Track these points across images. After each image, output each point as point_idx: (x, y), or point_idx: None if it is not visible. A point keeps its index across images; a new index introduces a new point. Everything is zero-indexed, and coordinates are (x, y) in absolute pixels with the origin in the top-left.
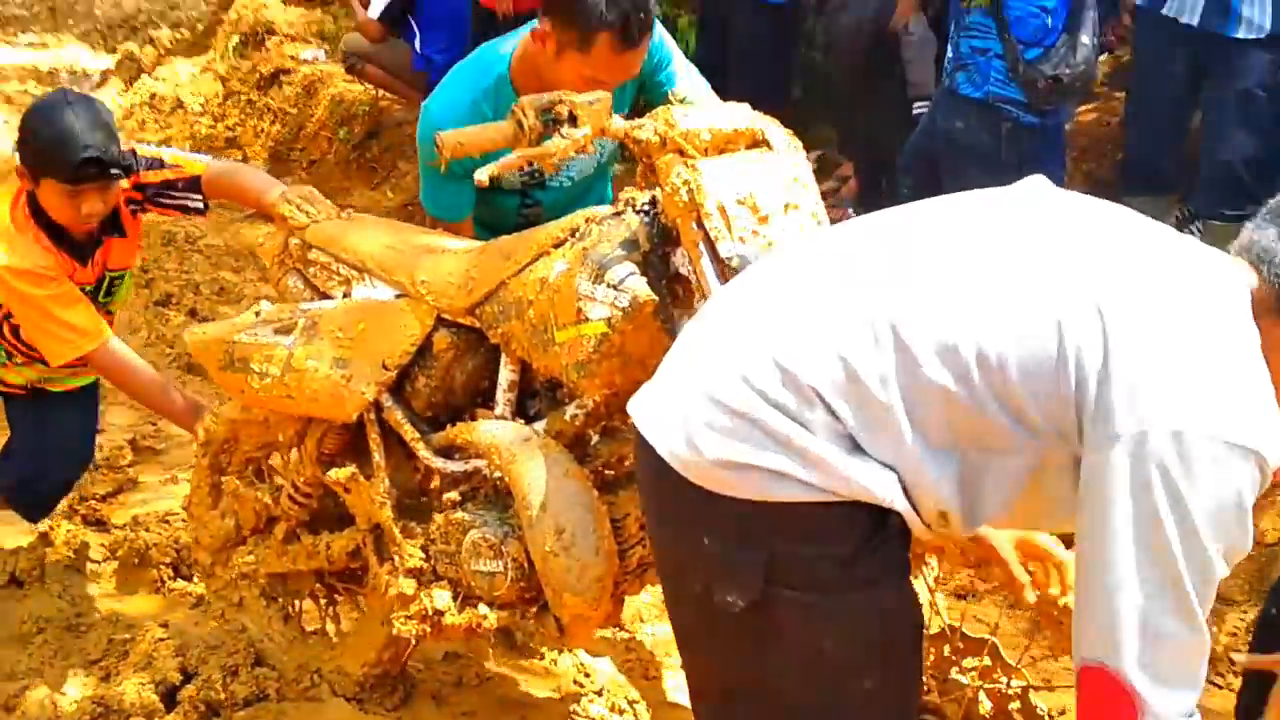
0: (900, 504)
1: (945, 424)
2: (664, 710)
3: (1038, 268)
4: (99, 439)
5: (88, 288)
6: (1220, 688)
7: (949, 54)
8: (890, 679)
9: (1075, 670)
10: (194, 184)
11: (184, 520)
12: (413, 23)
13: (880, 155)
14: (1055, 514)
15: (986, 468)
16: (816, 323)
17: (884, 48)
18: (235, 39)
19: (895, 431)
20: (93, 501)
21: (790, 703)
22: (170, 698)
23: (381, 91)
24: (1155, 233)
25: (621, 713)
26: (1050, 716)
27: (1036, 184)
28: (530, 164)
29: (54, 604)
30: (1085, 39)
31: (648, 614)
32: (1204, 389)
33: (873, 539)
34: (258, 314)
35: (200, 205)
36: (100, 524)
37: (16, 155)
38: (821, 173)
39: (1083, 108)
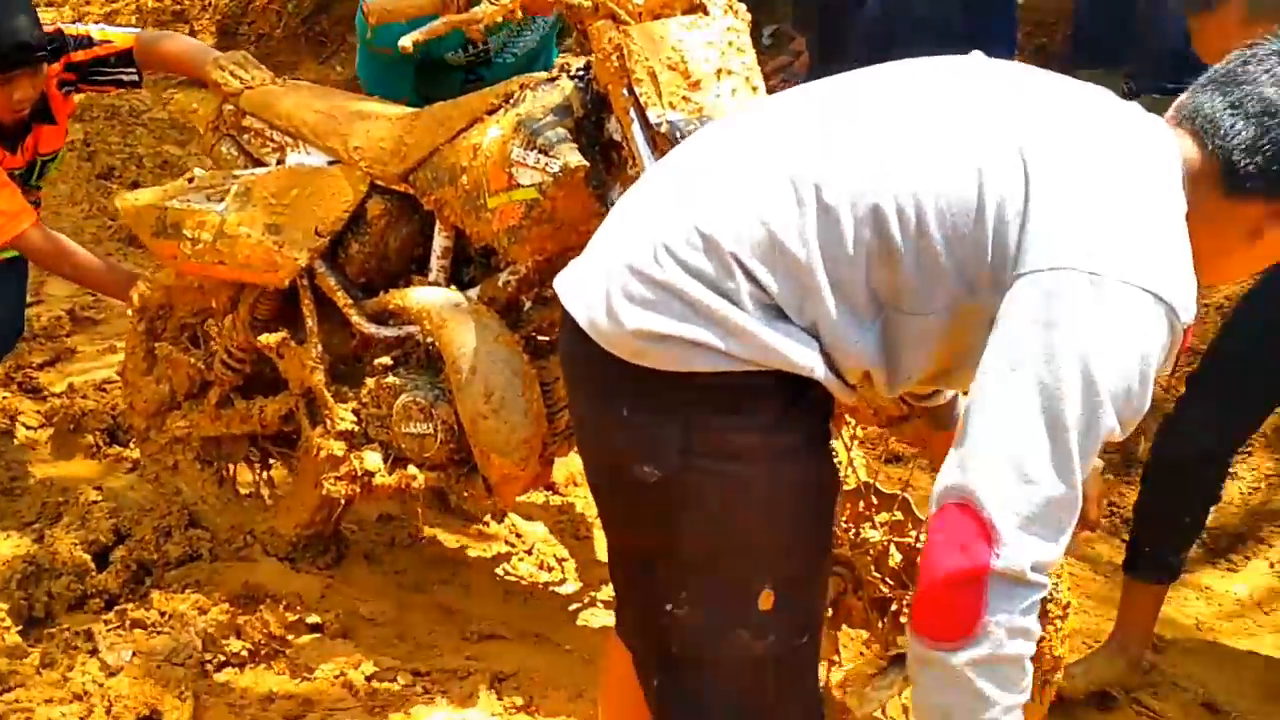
0: (820, 372)
1: (866, 285)
2: (593, 568)
3: (962, 121)
4: (38, 310)
5: (17, 172)
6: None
7: None
8: (802, 546)
9: (934, 498)
10: (125, 57)
11: (120, 388)
12: None
13: (834, 30)
14: (972, 370)
15: (906, 327)
16: (739, 188)
17: None
18: None
19: (818, 296)
20: (29, 369)
21: (704, 570)
22: (102, 557)
23: None
24: (1091, 94)
25: (550, 570)
26: None
27: (974, 57)
28: (469, 38)
29: None
30: None
31: (580, 478)
32: (1125, 237)
33: (792, 409)
34: (191, 180)
35: (135, 78)
36: (36, 392)
37: None
38: (776, 48)
39: None
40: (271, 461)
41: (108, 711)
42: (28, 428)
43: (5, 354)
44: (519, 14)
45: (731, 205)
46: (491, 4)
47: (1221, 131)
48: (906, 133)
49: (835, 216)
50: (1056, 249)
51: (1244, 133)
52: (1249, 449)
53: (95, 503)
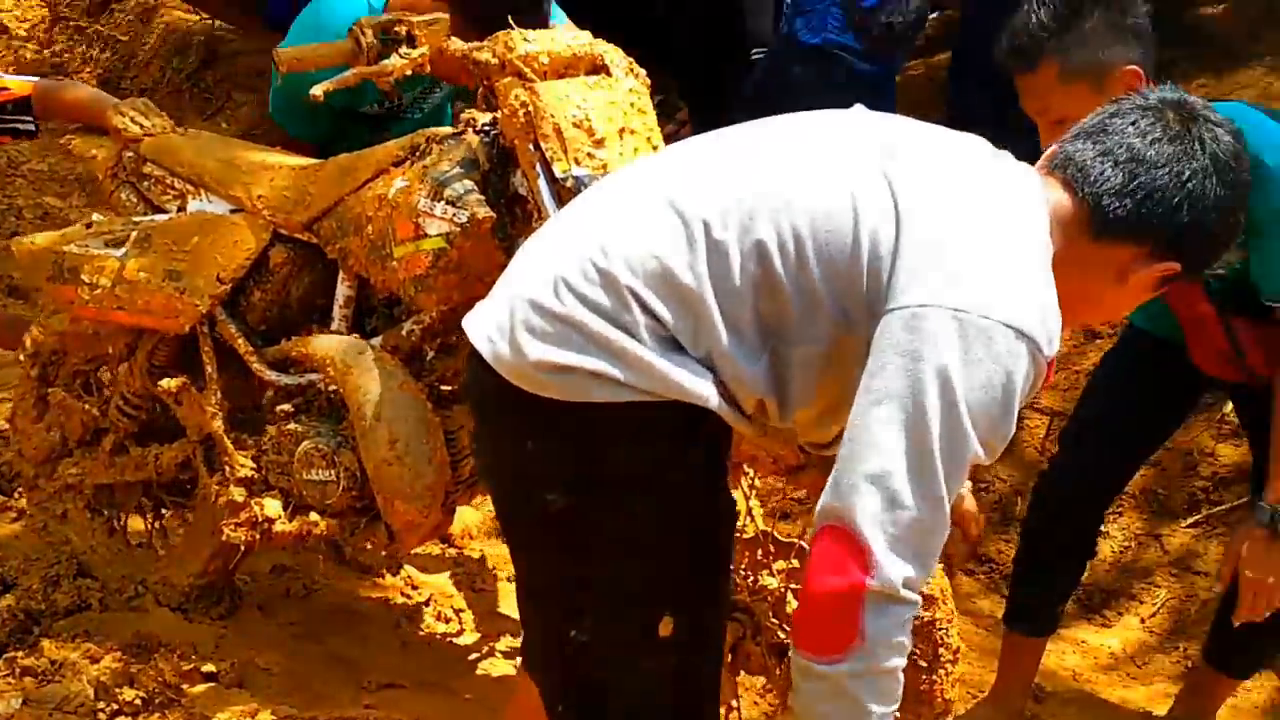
0: (714, 402)
1: (754, 319)
2: (491, 619)
3: (839, 160)
4: None
5: None
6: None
7: (788, 1)
8: (700, 573)
9: (815, 525)
10: (24, 105)
11: (4, 436)
12: None
13: (717, 100)
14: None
15: (790, 359)
16: (632, 225)
17: None
18: None
19: (710, 327)
20: None
21: (604, 596)
22: None
23: (218, 22)
24: (964, 141)
25: (448, 621)
26: None
27: (855, 109)
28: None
29: None
30: None
31: (477, 531)
32: (988, 275)
33: (689, 439)
34: (89, 225)
35: (31, 128)
36: None
37: None
38: (662, 116)
39: (912, 63)
40: (164, 511)
41: None
42: None
43: None
44: (427, 67)
45: (626, 241)
46: (401, 58)
47: (1091, 178)
48: (786, 171)
49: (724, 252)
50: (923, 286)
51: (1113, 179)
52: (1119, 509)
53: None
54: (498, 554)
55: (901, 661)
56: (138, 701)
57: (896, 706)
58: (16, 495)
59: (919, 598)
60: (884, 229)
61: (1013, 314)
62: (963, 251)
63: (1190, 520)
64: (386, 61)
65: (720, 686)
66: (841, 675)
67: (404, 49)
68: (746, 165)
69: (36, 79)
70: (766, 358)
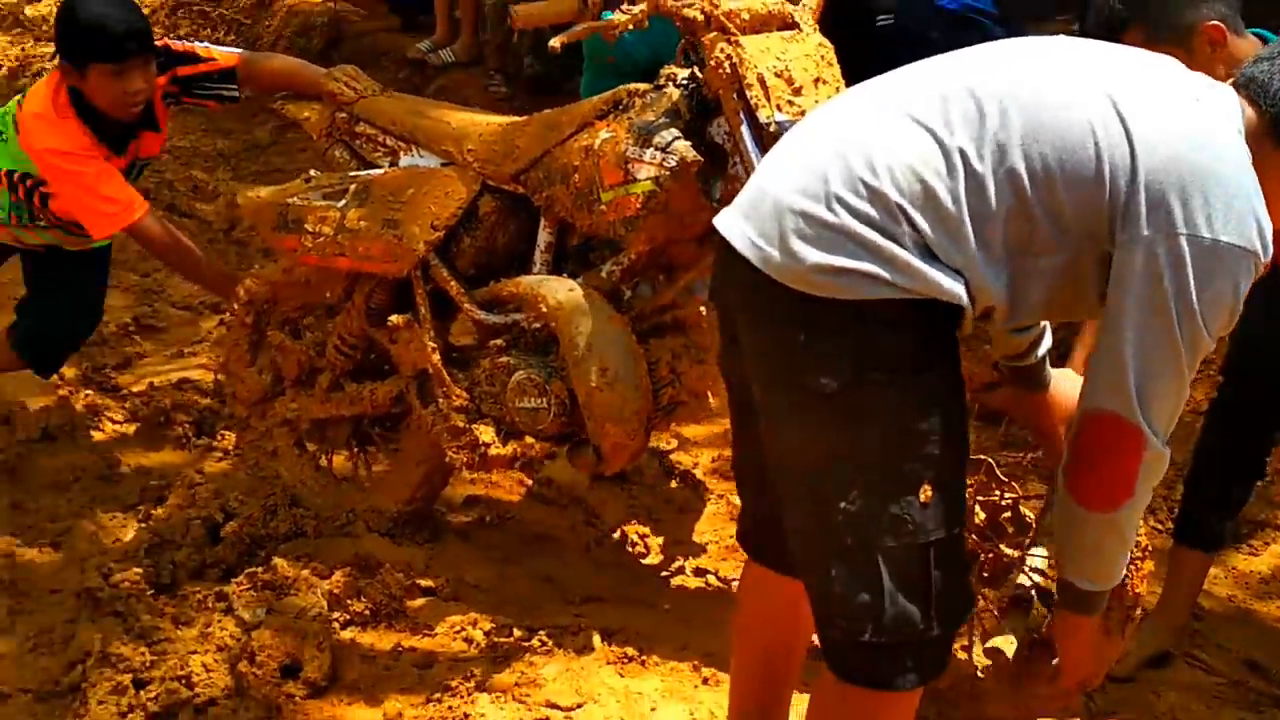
0: (965, 300)
1: (1004, 239)
2: (673, 545)
3: (1073, 91)
4: (103, 319)
5: (122, 172)
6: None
7: None
8: (953, 444)
9: (1078, 420)
10: (229, 75)
11: (198, 386)
12: None
13: (847, 66)
14: (1084, 305)
15: (1033, 270)
16: (896, 148)
17: None
18: None
19: (964, 244)
20: (107, 370)
21: (874, 468)
22: (214, 533)
23: (341, 3)
24: (1166, 65)
25: (633, 546)
26: (1034, 522)
27: (1061, 39)
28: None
29: (86, 457)
30: None
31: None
32: (1216, 199)
33: (939, 331)
34: (308, 180)
35: (235, 94)
36: (115, 390)
37: (58, 50)
38: None
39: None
40: (369, 448)
41: (251, 660)
42: (114, 422)
43: (86, 337)
44: (645, 23)
45: (893, 162)
46: (622, 13)
47: (1271, 92)
48: (1029, 102)
49: (981, 180)
50: (1161, 215)
51: None
52: None
53: (199, 484)
54: (669, 490)
55: (1150, 494)
56: (366, 612)
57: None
58: (220, 437)
59: (1169, 451)
60: (1121, 159)
61: (1238, 234)
62: (1191, 178)
63: None
64: (610, 15)
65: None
66: (1117, 518)
67: (625, 5)
68: (988, 95)
69: (240, 50)
70: (1009, 270)
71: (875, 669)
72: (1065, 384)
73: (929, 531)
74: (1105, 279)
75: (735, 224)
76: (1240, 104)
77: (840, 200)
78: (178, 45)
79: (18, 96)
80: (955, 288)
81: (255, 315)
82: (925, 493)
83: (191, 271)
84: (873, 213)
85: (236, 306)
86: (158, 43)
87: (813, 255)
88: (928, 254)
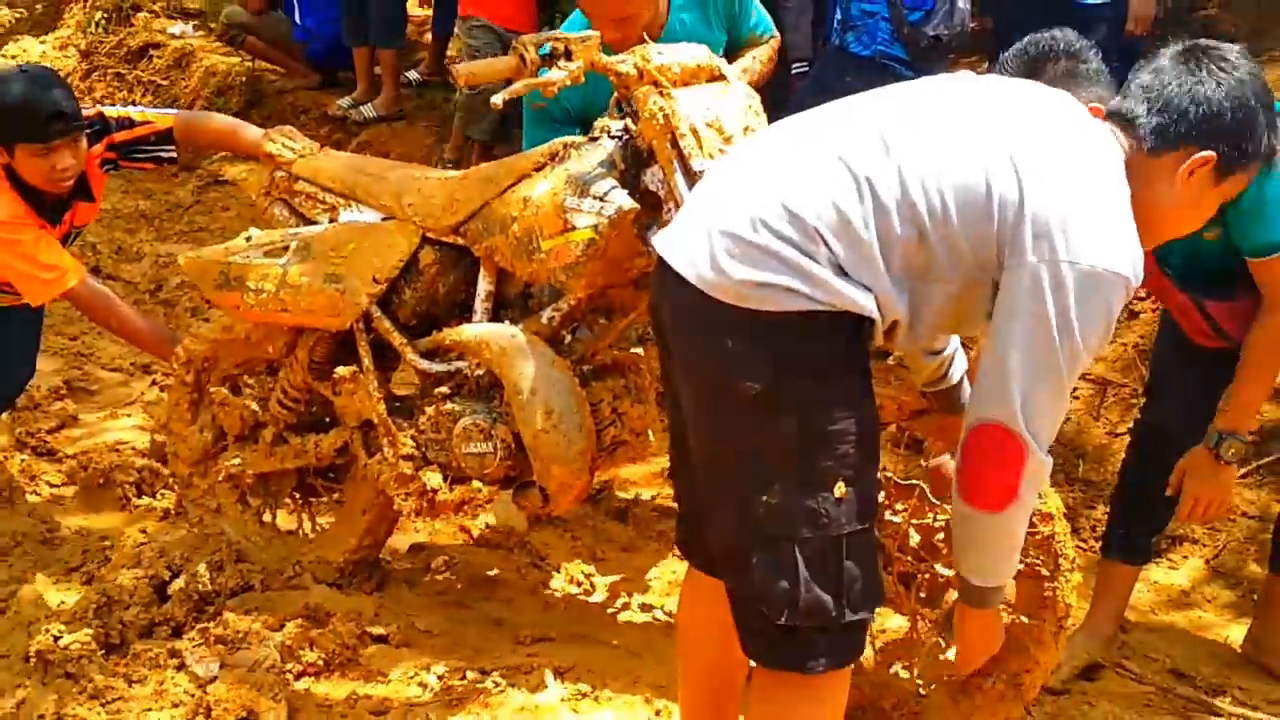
0: (875, 313)
1: (903, 262)
2: (617, 584)
3: (970, 130)
4: (32, 382)
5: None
6: None
7: (837, 16)
8: (864, 444)
9: (966, 429)
10: (165, 136)
11: (134, 447)
12: None
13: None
14: (974, 324)
15: (928, 293)
16: (814, 176)
17: None
18: (98, 15)
19: (871, 264)
20: (41, 433)
21: (792, 463)
22: (161, 591)
23: (258, 62)
24: (1056, 100)
25: (579, 584)
26: None
27: (961, 75)
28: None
29: (25, 522)
30: (961, 4)
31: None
32: (1092, 229)
33: (853, 340)
34: (248, 239)
35: (173, 155)
36: (52, 453)
37: None
38: None
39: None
40: (312, 500)
41: (208, 715)
42: (52, 486)
43: (14, 399)
44: (583, 79)
45: (809, 190)
46: (559, 70)
47: (1136, 114)
48: (932, 143)
49: (887, 211)
50: (1043, 243)
51: (1142, 106)
52: None
53: (143, 544)
54: (611, 530)
55: (1035, 498)
56: (320, 662)
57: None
58: (160, 496)
59: (1050, 459)
60: (1010, 195)
61: (1111, 260)
62: (1072, 210)
63: (1242, 471)
64: (547, 74)
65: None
66: (1004, 518)
67: (561, 62)
68: (895, 134)
69: (176, 112)
70: (909, 291)
71: (790, 653)
72: None
73: (842, 525)
74: (993, 303)
75: (671, 244)
76: (1117, 134)
77: (764, 223)
78: (111, 112)
79: None
80: (865, 301)
81: (195, 374)
82: (840, 489)
83: (127, 333)
84: (792, 234)
85: (176, 366)
86: (90, 112)
87: (739, 271)
88: (841, 272)
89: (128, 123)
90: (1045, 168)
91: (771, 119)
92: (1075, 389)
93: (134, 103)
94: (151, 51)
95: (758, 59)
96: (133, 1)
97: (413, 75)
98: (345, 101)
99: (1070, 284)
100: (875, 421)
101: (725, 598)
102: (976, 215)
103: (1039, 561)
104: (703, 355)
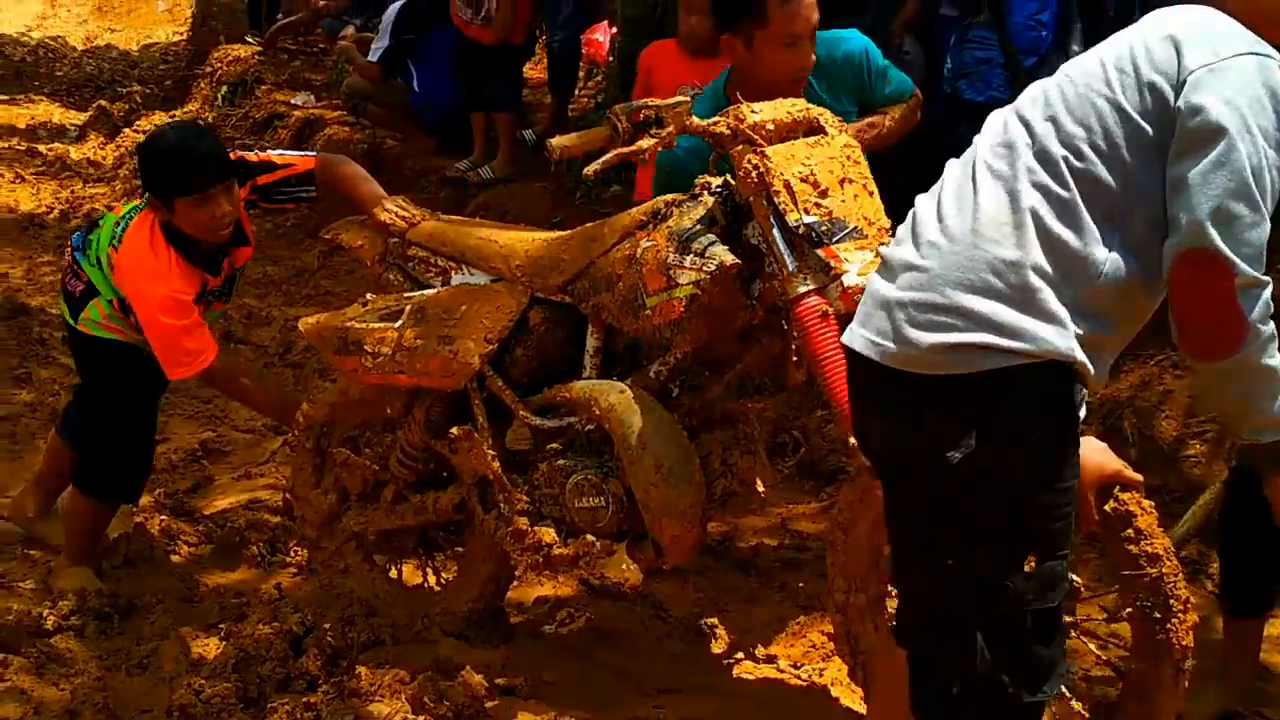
0: (1079, 356)
1: (1100, 208)
2: (740, 633)
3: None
4: (170, 444)
5: (217, 288)
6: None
7: (949, 65)
8: (1061, 515)
9: (1170, 265)
10: (307, 177)
11: (267, 506)
12: (410, 65)
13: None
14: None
15: (1135, 225)
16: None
17: None
18: (224, 89)
19: (1076, 261)
20: (179, 495)
21: (986, 537)
22: (296, 646)
23: (378, 131)
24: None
25: (704, 635)
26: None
27: None
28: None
29: (166, 580)
30: (1075, 48)
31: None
32: (1214, 35)
33: (1057, 393)
34: (364, 304)
35: (312, 195)
36: (190, 514)
37: (145, 192)
38: None
39: None
40: (436, 554)
41: None
42: (189, 545)
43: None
44: (674, 144)
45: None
46: (651, 137)
47: None
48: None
49: (1044, 182)
50: (1185, 70)
51: None
52: None
53: (277, 600)
54: (733, 580)
55: (1273, 324)
56: (449, 715)
57: None
58: (293, 554)
59: (1268, 278)
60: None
61: (1248, 44)
62: (1188, 37)
63: None
64: (640, 142)
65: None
66: (1248, 356)
67: (654, 129)
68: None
69: (316, 154)
70: (1118, 237)
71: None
72: None
73: (1029, 601)
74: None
75: (852, 334)
76: None
77: (943, 280)
78: (251, 156)
79: (106, 228)
80: (1065, 341)
81: (315, 439)
82: (1030, 563)
83: (252, 402)
84: (974, 279)
85: (297, 433)
86: (232, 156)
87: (926, 337)
88: (1041, 311)
89: (270, 166)
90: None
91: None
92: (1205, 432)
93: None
94: (276, 122)
95: (889, 115)
96: (256, 75)
97: (528, 135)
98: (464, 164)
99: (1218, 83)
100: (1073, 494)
101: None
102: (1121, 114)
103: (1150, 604)
104: (898, 432)
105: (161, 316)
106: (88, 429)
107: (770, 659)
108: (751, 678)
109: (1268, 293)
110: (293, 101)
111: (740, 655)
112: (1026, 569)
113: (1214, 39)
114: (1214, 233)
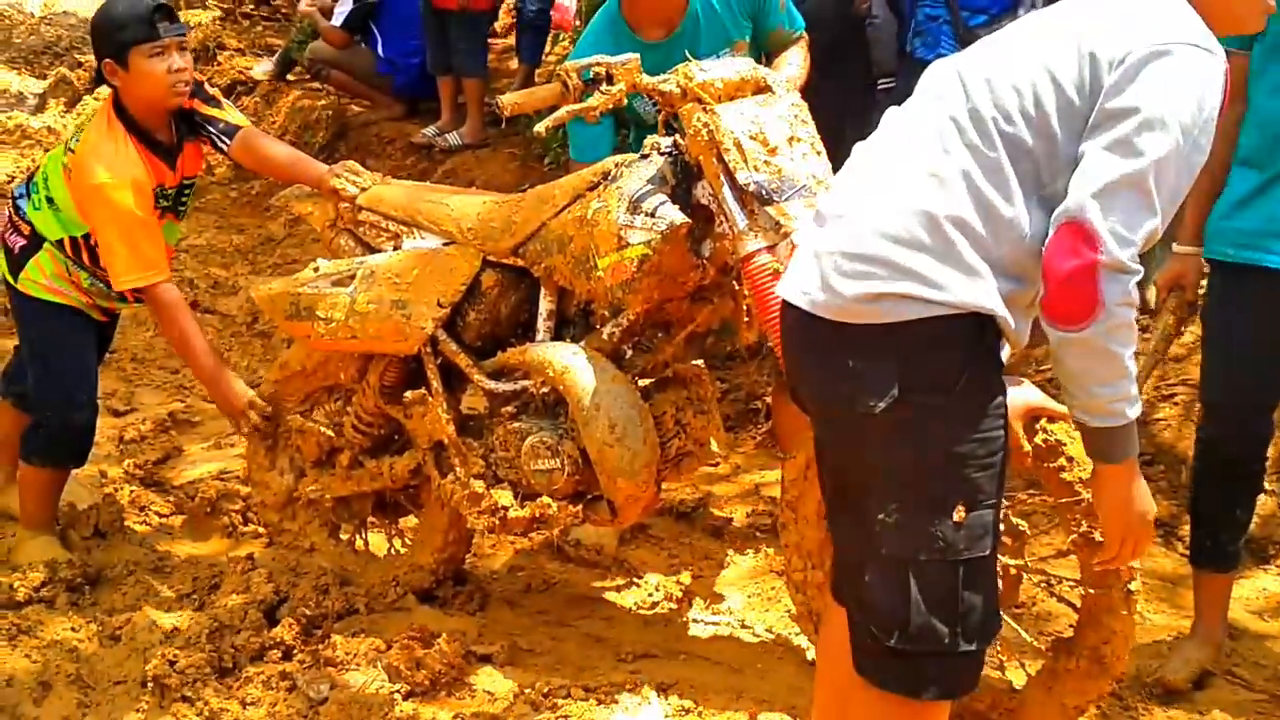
0: (1001, 310)
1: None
2: (713, 597)
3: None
4: (137, 415)
5: (171, 192)
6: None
7: (911, 25)
8: (990, 464)
9: (1051, 228)
10: (231, 131)
11: (238, 476)
12: (374, 29)
13: (843, 128)
14: None
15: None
16: (906, 170)
17: (848, 32)
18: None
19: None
20: (149, 465)
21: (911, 486)
22: (270, 616)
23: (344, 98)
24: None
25: (678, 601)
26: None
27: None
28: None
29: (136, 551)
30: (1021, 12)
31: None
32: (1147, 22)
33: (978, 346)
34: (316, 270)
35: (225, 147)
36: (159, 485)
37: (99, 57)
38: None
39: None
40: (397, 520)
41: None
42: (160, 516)
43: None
44: (625, 101)
45: (908, 185)
46: (602, 94)
47: None
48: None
49: (985, 154)
50: (1112, 50)
51: None
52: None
53: (250, 570)
54: (707, 546)
55: (1133, 314)
56: (426, 682)
57: (1135, 347)
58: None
59: (1140, 268)
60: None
61: (1175, 34)
62: (1124, 20)
63: None
64: (590, 99)
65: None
66: (1095, 336)
67: (604, 86)
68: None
69: (250, 126)
70: (1043, 201)
71: (900, 677)
72: None
73: (960, 551)
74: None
75: (785, 284)
76: None
77: (876, 232)
78: (209, 88)
79: (54, 157)
80: (987, 297)
81: (264, 421)
82: (959, 513)
83: (188, 350)
84: (906, 234)
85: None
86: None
87: (850, 287)
88: (964, 265)
89: (215, 101)
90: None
91: (859, 138)
92: (1175, 395)
93: None
94: (239, 89)
95: (796, 65)
96: (218, 40)
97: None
98: (430, 130)
99: (1151, 69)
100: (1002, 442)
101: None
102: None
103: (1091, 527)
104: (822, 380)
105: (119, 206)
106: (32, 394)
107: (745, 624)
108: (726, 642)
109: (1133, 282)
110: (257, 68)
111: (715, 620)
112: (956, 519)
113: (1161, 23)
114: (1095, 207)
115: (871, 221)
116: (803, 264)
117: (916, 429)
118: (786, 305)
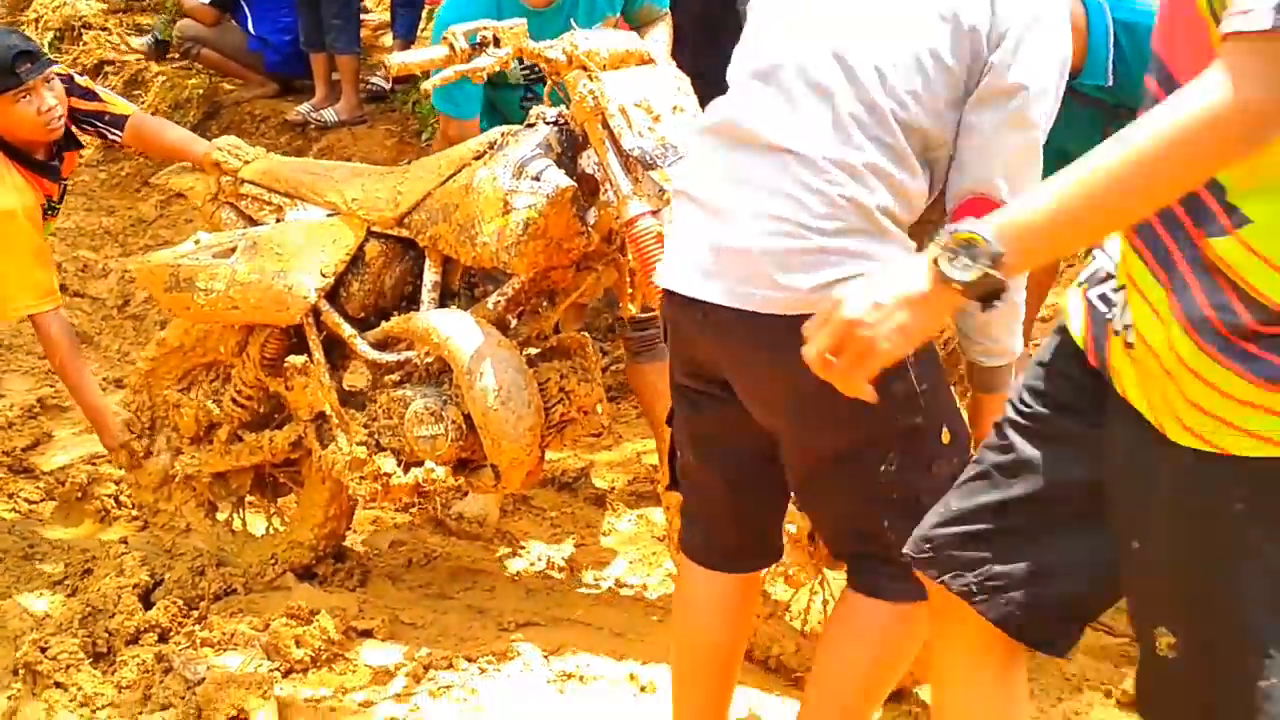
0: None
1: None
2: (596, 566)
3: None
4: (5, 402)
5: (56, 202)
6: None
7: None
8: (948, 392)
9: (958, 200)
10: (119, 121)
11: (109, 461)
12: (244, 6)
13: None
14: None
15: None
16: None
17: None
18: (50, 35)
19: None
20: (17, 451)
21: (906, 439)
22: (145, 599)
23: (213, 76)
24: None
25: (560, 570)
26: None
27: None
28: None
29: (4, 539)
30: None
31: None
32: None
33: None
34: (197, 242)
35: (117, 138)
36: (28, 471)
37: None
38: None
39: None
40: (276, 498)
41: (198, 716)
42: (30, 502)
43: None
44: (511, 64)
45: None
46: (489, 57)
47: None
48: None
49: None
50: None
51: None
52: None
53: (124, 554)
54: (589, 515)
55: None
56: (306, 659)
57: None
58: (139, 506)
59: None
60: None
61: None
62: None
63: None
64: (477, 61)
65: None
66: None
67: (490, 49)
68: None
69: (138, 110)
70: (931, 171)
71: (916, 586)
72: None
73: (954, 464)
74: None
75: (685, 280)
76: None
77: (797, 223)
78: (81, 81)
79: None
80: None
81: (138, 405)
82: (945, 434)
83: (76, 377)
84: (841, 217)
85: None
86: (61, 69)
87: (806, 279)
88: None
89: (92, 95)
90: None
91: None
92: None
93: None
94: (107, 68)
95: (662, 41)
96: (84, 20)
97: (379, 83)
98: (305, 107)
99: (1032, 42)
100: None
101: (724, 583)
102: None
103: None
104: (783, 372)
105: (11, 235)
106: None
107: (626, 587)
108: (609, 608)
109: None
110: (134, 41)
111: (596, 586)
112: (944, 440)
113: None
114: (1003, 186)
115: (810, 220)
116: (720, 263)
117: (897, 391)
118: (705, 305)
